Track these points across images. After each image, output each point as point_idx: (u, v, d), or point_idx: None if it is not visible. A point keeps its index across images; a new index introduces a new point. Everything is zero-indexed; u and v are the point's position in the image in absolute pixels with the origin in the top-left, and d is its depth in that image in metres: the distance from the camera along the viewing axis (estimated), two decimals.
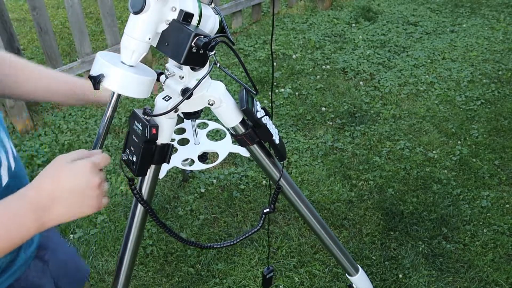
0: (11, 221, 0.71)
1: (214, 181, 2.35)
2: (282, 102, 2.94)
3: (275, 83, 3.11)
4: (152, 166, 1.14)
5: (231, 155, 2.49)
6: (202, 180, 2.35)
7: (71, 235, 2.08)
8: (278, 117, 2.81)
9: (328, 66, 3.34)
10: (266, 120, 1.18)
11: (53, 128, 2.70)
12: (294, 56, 3.45)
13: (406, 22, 3.99)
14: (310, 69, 3.30)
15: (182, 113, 1.16)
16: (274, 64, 3.14)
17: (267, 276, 1.56)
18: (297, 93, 3.03)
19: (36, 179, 0.75)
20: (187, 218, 2.16)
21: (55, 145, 2.57)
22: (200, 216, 2.16)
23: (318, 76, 3.21)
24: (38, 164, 2.44)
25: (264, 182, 2.34)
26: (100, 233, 2.09)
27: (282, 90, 3.05)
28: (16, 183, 0.86)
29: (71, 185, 0.75)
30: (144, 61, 3.76)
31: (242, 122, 1.17)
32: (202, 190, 2.29)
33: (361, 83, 3.15)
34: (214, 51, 1.00)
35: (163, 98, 1.09)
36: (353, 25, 3.93)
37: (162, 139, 1.08)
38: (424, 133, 2.70)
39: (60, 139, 2.61)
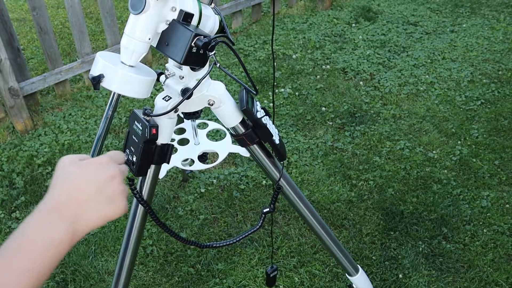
0: (45, 240, 0.60)
1: (214, 181, 2.35)
2: (282, 102, 2.94)
3: (275, 83, 3.11)
4: (152, 166, 1.14)
5: (231, 155, 2.49)
6: (202, 180, 2.35)
7: None
8: (278, 117, 2.81)
9: (328, 66, 3.34)
10: (266, 120, 1.18)
11: (53, 128, 2.70)
12: (294, 56, 3.45)
13: (406, 22, 3.99)
14: (310, 69, 3.29)
15: (182, 113, 1.16)
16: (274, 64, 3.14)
17: (271, 275, 1.57)
18: (297, 93, 3.03)
19: (50, 190, 0.65)
20: (187, 218, 2.16)
21: (55, 145, 2.57)
22: (200, 216, 2.16)
23: (318, 76, 3.21)
24: (38, 164, 2.44)
25: (264, 182, 2.34)
26: (100, 233, 2.09)
27: (282, 90, 3.05)
28: None
29: (92, 183, 0.66)
30: (144, 61, 3.76)
31: (242, 122, 1.17)
32: (202, 190, 2.29)
33: (361, 83, 3.15)
34: (214, 51, 1.00)
35: (163, 98, 1.09)
36: (353, 25, 3.93)
37: (162, 139, 1.08)
38: (424, 133, 2.70)
39: (60, 139, 2.61)
